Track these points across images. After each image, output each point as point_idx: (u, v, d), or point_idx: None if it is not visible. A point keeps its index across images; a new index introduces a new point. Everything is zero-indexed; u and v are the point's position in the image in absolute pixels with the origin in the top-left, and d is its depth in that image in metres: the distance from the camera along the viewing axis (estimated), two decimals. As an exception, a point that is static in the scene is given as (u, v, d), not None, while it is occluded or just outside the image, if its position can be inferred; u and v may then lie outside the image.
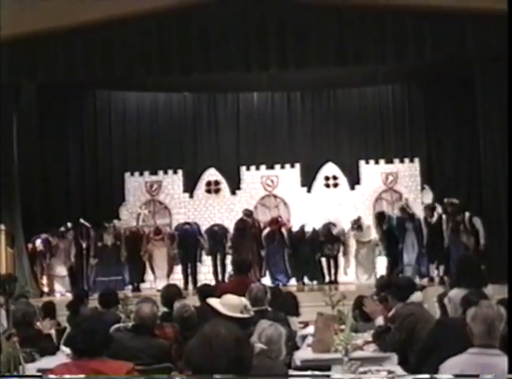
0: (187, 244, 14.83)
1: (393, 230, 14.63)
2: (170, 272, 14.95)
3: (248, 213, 15.05)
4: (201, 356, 2.69)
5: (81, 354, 4.37)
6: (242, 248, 14.50)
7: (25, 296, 9.67)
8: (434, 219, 14.32)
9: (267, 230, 14.84)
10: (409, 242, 14.52)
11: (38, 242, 14.46)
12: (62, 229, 14.75)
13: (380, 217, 14.91)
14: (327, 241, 14.84)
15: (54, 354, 6.98)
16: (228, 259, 14.82)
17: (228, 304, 5.78)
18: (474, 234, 13.79)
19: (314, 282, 14.80)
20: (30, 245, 14.42)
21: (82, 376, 4.18)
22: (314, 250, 14.79)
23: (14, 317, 7.01)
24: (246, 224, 14.77)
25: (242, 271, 9.17)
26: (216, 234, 14.93)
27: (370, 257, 14.95)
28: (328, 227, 14.92)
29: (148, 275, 15.05)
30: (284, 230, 14.88)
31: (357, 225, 14.95)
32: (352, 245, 15.02)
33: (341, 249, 14.99)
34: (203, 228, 15.21)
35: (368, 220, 15.66)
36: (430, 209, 14.54)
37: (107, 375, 4.17)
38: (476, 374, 4.08)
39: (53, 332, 7.61)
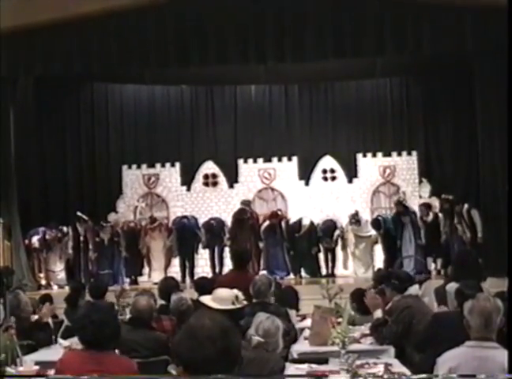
0: (185, 238, 14.82)
1: (390, 231, 14.64)
2: (167, 264, 14.96)
3: (246, 203, 15.06)
4: (187, 349, 2.68)
5: (90, 345, 4.35)
6: (240, 239, 14.48)
7: (21, 289, 9.66)
8: (430, 217, 14.36)
9: (267, 223, 14.84)
10: (407, 237, 14.53)
11: (34, 239, 14.43)
12: (59, 235, 14.71)
13: (376, 223, 14.94)
14: (325, 235, 14.84)
15: (50, 346, 6.98)
16: (226, 252, 14.82)
17: (219, 298, 5.80)
18: (472, 227, 13.81)
19: (312, 275, 14.79)
20: (27, 241, 14.40)
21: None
22: (312, 244, 14.78)
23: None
24: (245, 214, 14.76)
25: (242, 263, 9.12)
26: (213, 227, 14.92)
27: (368, 251, 14.95)
28: (327, 224, 14.91)
29: (146, 268, 15.06)
30: (283, 223, 14.90)
31: (355, 219, 14.93)
32: (351, 239, 15.00)
33: (339, 242, 14.99)
34: (200, 221, 15.21)
35: (366, 213, 15.68)
36: (425, 207, 14.56)
37: (110, 372, 4.17)
38: (475, 374, 4.07)
39: (50, 321, 7.61)
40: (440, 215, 14.33)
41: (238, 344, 2.80)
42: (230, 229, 14.80)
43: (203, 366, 2.64)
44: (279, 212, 15.19)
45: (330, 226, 14.87)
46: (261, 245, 14.68)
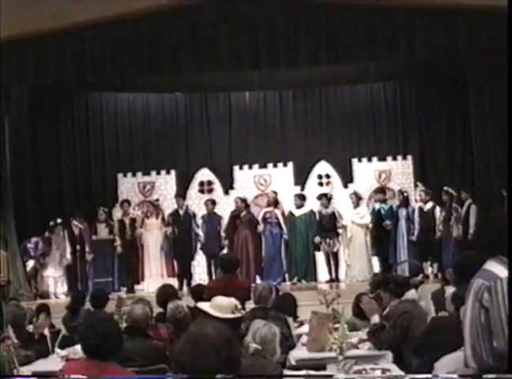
0: (181, 223, 14.83)
1: (383, 213, 14.63)
2: (167, 269, 14.98)
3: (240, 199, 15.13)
4: (191, 357, 2.66)
5: (93, 355, 4.34)
6: (236, 236, 14.70)
7: (17, 299, 9.65)
8: (429, 205, 14.32)
9: (263, 211, 14.91)
10: (399, 232, 14.53)
11: (29, 245, 14.38)
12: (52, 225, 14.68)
13: (380, 191, 15.03)
14: (324, 234, 14.72)
15: (47, 356, 6.96)
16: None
17: (218, 306, 5.79)
18: (468, 229, 13.73)
19: (310, 281, 14.77)
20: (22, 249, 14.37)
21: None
22: (310, 244, 14.75)
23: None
24: (240, 207, 14.86)
25: (230, 269, 9.08)
26: (212, 218, 14.94)
27: (364, 254, 14.91)
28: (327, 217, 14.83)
29: (143, 275, 15.05)
30: (278, 212, 14.92)
31: (355, 197, 14.96)
32: (348, 234, 14.93)
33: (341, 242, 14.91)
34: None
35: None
36: (425, 194, 14.52)
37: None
38: (477, 374, 4.07)
39: (47, 333, 7.59)
40: (438, 208, 14.27)
41: (239, 353, 2.81)
42: (225, 228, 14.83)
43: (206, 374, 2.63)
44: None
45: (330, 216, 14.80)
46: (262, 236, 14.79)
